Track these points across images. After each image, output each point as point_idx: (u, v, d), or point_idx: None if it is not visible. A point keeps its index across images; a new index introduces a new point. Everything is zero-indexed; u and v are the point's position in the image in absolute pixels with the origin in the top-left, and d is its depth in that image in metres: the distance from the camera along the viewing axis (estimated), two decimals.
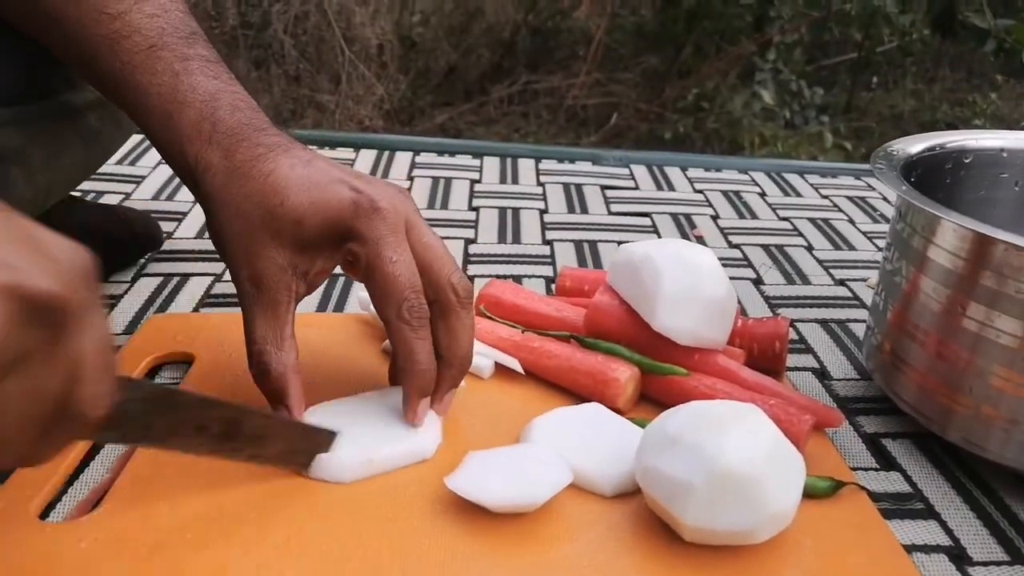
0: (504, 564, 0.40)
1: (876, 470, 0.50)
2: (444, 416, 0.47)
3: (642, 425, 0.48)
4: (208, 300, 0.64)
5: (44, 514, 0.42)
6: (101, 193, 0.83)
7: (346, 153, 1.00)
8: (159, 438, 0.36)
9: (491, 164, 0.99)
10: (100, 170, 0.87)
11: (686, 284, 0.51)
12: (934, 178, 0.56)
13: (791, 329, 0.61)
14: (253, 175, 0.42)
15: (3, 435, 0.26)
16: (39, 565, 0.38)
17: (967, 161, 0.58)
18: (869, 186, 1.00)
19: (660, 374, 0.52)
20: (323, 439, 0.43)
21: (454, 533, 0.41)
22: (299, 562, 0.39)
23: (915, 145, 0.56)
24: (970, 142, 0.58)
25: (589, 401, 0.51)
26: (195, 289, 0.66)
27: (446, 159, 1.00)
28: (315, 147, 1.01)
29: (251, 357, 0.43)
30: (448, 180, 0.93)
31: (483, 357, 0.54)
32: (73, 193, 0.73)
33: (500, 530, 0.41)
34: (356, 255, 0.43)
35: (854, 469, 0.49)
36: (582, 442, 0.46)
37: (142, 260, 0.70)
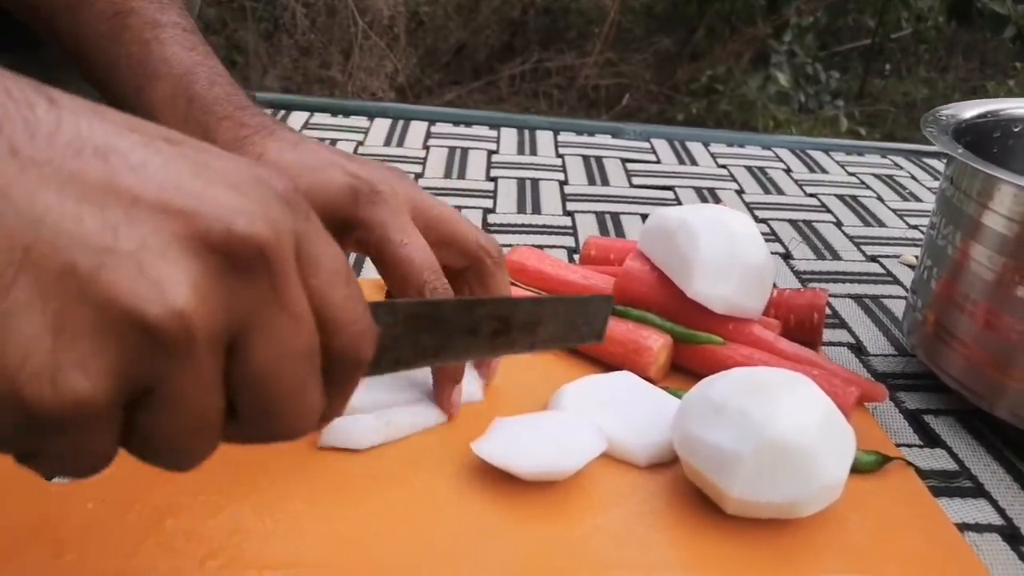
0: (534, 536, 0.37)
1: (920, 447, 0.48)
2: (492, 379, 0.47)
3: (675, 395, 0.46)
4: None
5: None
6: None
7: (360, 122, 0.97)
8: (431, 355, 0.32)
9: (508, 135, 0.96)
10: None
11: (724, 250, 0.49)
12: (982, 146, 0.53)
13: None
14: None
15: (279, 403, 0.22)
16: (44, 526, 0.36)
17: (1016, 130, 0.56)
18: (896, 164, 0.97)
19: (695, 343, 0.49)
20: (597, 307, 0.38)
21: (480, 502, 0.39)
22: (316, 528, 0.37)
23: (967, 111, 0.54)
24: (1021, 111, 0.56)
25: (618, 370, 0.49)
26: None
27: (462, 129, 0.97)
28: (328, 115, 0.99)
29: None
30: (464, 150, 0.90)
31: None
32: None
33: (529, 500, 0.39)
34: (363, 243, 0.39)
35: (897, 446, 0.47)
36: (614, 410, 0.44)
37: None
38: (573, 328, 0.38)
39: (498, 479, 0.40)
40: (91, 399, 0.19)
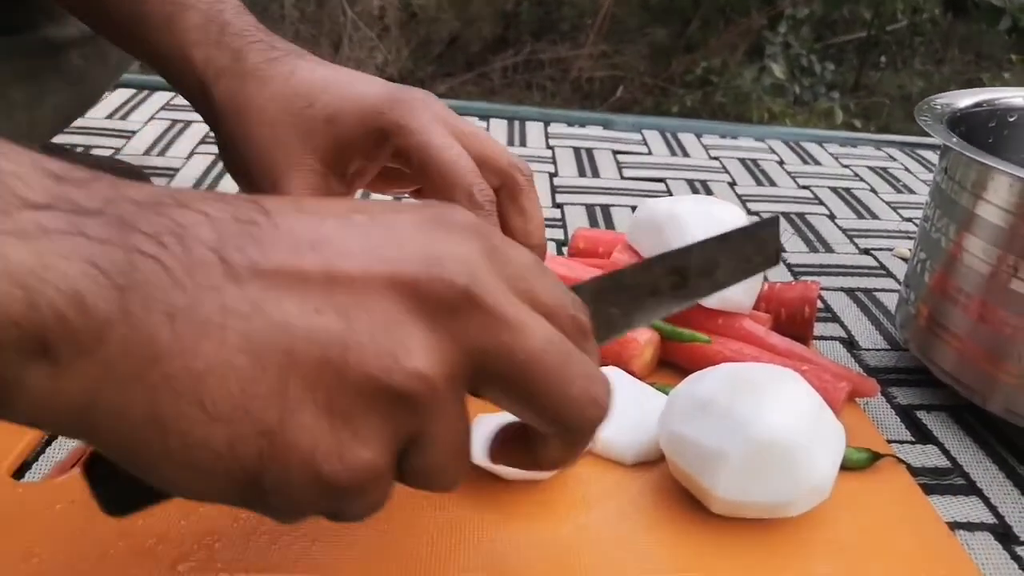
0: (518, 536, 0.36)
1: (912, 443, 0.47)
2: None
3: (663, 391, 0.45)
4: None
5: (18, 474, 0.38)
6: (90, 147, 0.79)
7: None
8: (623, 324, 0.33)
9: (498, 127, 0.95)
10: (90, 124, 0.84)
11: None
12: (977, 137, 0.52)
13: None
14: (272, 77, 0.39)
15: (557, 390, 0.23)
16: (11, 528, 0.35)
17: (1012, 120, 0.55)
18: (890, 156, 0.96)
19: (680, 341, 0.48)
20: (767, 232, 0.37)
21: (462, 503, 0.38)
22: (292, 530, 0.36)
23: (962, 100, 0.53)
24: (1016, 100, 0.55)
25: (604, 365, 0.48)
26: None
27: None
28: None
29: None
30: None
31: None
32: (61, 144, 0.69)
33: (512, 500, 0.38)
34: (404, 150, 0.38)
35: (888, 442, 0.46)
36: None
37: None
38: (748, 260, 0.37)
39: (481, 478, 0.39)
40: (375, 464, 0.22)
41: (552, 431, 0.25)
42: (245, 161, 0.39)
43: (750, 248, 0.37)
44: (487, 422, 0.41)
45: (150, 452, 0.20)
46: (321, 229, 0.22)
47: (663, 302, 0.34)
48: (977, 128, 0.53)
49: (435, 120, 0.38)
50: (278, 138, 0.38)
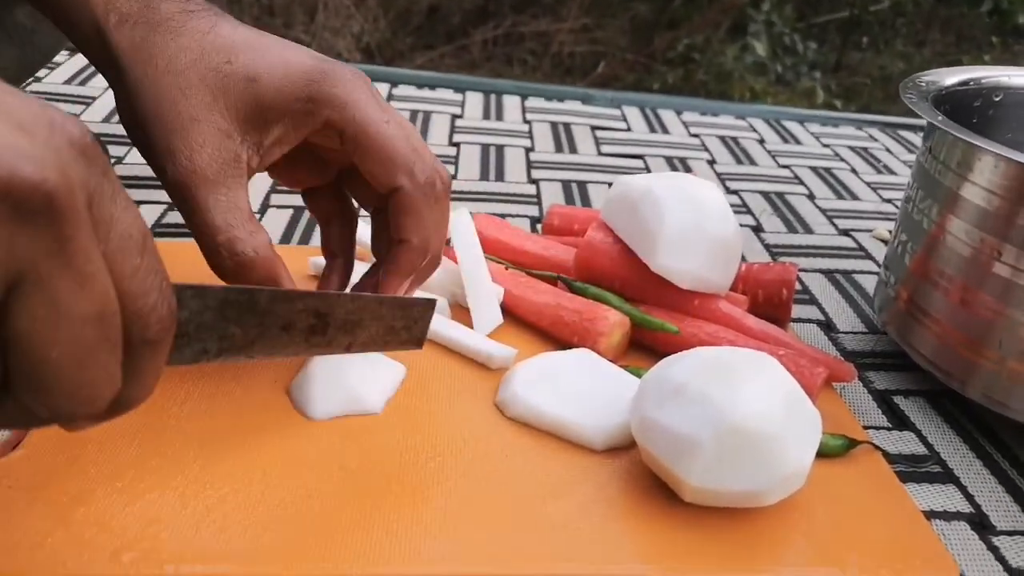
0: (480, 525, 0.35)
1: (888, 429, 0.46)
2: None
3: (636, 374, 0.44)
4: (160, 230, 0.58)
5: None
6: None
7: None
8: (240, 347, 0.30)
9: (474, 100, 0.92)
10: (48, 88, 0.80)
11: (690, 221, 0.46)
12: (961, 116, 0.50)
13: None
14: (187, 30, 0.35)
15: (52, 374, 0.20)
16: None
17: (997, 99, 0.53)
18: (871, 137, 0.95)
19: (649, 328, 0.47)
20: (420, 311, 0.37)
21: (421, 486, 0.36)
22: (244, 517, 0.34)
23: (948, 77, 0.51)
24: (1003, 79, 0.53)
25: (571, 344, 0.46)
26: (146, 218, 0.59)
27: (426, 92, 0.93)
28: None
29: (216, 251, 0.35)
30: (427, 114, 0.86)
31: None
32: None
33: (476, 485, 0.37)
34: (338, 123, 0.35)
35: (865, 428, 0.45)
36: (570, 390, 0.42)
37: None
38: (394, 332, 0.36)
39: (434, 457, 0.37)
40: None
41: (15, 391, 0.21)
42: (143, 111, 0.34)
43: (399, 322, 0.36)
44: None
45: None
46: None
47: (294, 341, 0.32)
48: (962, 107, 0.52)
49: (372, 93, 0.36)
50: (184, 88, 0.34)
